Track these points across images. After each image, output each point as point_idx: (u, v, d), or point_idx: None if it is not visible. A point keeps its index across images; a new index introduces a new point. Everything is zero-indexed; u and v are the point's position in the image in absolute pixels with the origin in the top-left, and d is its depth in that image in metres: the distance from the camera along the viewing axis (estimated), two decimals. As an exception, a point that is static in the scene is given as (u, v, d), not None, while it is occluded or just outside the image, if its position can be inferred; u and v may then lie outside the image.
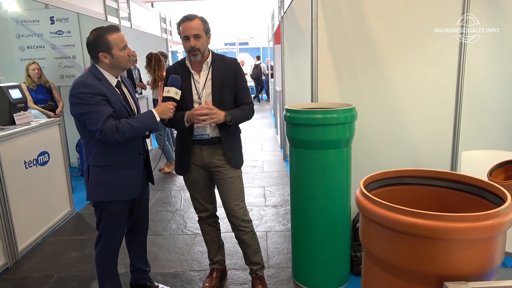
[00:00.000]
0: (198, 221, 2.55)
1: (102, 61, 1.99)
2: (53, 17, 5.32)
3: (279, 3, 5.45)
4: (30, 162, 3.27)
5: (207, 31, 2.18)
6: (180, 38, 2.20)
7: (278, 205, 3.95)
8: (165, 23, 8.65)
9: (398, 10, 2.55)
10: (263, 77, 13.73)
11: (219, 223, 2.58)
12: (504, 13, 2.55)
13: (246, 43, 16.68)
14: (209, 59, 2.23)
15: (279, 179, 4.85)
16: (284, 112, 2.44)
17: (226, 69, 2.24)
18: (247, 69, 14.58)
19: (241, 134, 2.41)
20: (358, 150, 2.60)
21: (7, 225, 2.88)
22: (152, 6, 11.37)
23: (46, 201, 3.47)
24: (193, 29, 2.11)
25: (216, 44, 16.40)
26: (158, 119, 2.03)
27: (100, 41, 1.95)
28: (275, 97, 8.70)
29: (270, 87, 11.29)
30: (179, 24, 2.17)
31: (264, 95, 14.77)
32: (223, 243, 2.65)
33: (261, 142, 7.16)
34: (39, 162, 3.39)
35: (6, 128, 3.23)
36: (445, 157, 2.74)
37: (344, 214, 2.46)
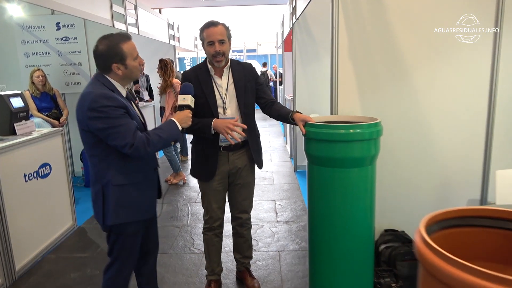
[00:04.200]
0: (205, 232, 2.47)
1: (115, 72, 1.82)
2: (59, 23, 5.19)
3: (291, 10, 5.28)
4: (30, 175, 3.10)
5: (229, 37, 2.22)
6: (203, 43, 2.21)
7: (290, 221, 3.74)
8: (173, 29, 8.52)
9: (424, 16, 2.36)
10: (271, 84, 13.57)
11: (223, 233, 2.55)
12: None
13: (254, 50, 16.56)
14: (229, 63, 2.27)
15: (290, 192, 4.64)
16: (303, 126, 2.24)
17: (245, 73, 2.30)
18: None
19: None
20: (382, 167, 2.39)
21: (4, 243, 2.70)
22: (160, 12, 11.28)
23: (47, 215, 3.30)
24: (218, 35, 2.14)
25: (224, 51, 16.28)
26: (180, 128, 1.91)
27: (113, 51, 1.78)
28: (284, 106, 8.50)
29: (279, 95, 11.10)
30: (202, 30, 2.19)
31: None
32: None
33: (270, 151, 6.96)
34: (40, 175, 3.22)
35: (5, 138, 3.07)
36: (475, 175, 2.53)
37: (368, 237, 2.25)
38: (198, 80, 2.18)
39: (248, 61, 16.06)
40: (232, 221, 2.53)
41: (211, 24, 2.16)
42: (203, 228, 2.48)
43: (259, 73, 14.35)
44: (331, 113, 2.46)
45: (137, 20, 5.89)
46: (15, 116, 3.29)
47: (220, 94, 2.24)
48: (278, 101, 10.13)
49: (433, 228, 0.92)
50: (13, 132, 3.24)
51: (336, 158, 2.09)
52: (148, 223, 2.09)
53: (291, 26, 5.38)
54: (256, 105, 2.40)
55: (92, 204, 1.91)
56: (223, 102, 2.23)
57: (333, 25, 2.34)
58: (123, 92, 1.91)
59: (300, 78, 5.28)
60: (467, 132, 2.47)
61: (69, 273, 2.89)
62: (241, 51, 16.46)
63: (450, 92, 2.43)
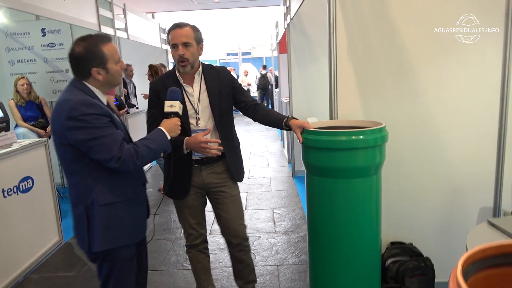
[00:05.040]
0: (187, 250, 2.28)
1: (95, 77, 1.61)
2: (44, 29, 4.99)
3: (285, 10, 5.11)
4: (10, 190, 2.89)
5: (198, 41, 1.99)
6: (169, 46, 2.01)
7: (289, 231, 3.55)
8: (164, 33, 8.34)
9: (430, 12, 2.18)
10: (270, 87, 13.39)
11: (208, 248, 2.36)
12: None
13: (249, 53, 16.41)
14: (200, 69, 2.08)
15: (289, 200, 4.44)
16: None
17: (220, 78, 2.11)
18: (252, 79, 14.23)
19: (241, 147, 2.30)
20: (386, 173, 2.20)
21: (-20, 266, 2.51)
22: (152, 17, 11.10)
23: (30, 233, 3.09)
24: (183, 37, 1.94)
25: (219, 55, 16.12)
26: (168, 137, 1.72)
27: (93, 54, 1.58)
28: (280, 109, 8.32)
29: (275, 98, 10.92)
30: (168, 32, 2.01)
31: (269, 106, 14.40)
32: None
33: (267, 156, 6.76)
34: (21, 189, 3.02)
35: (-18, 152, 2.87)
36: (488, 179, 2.34)
37: (374, 252, 2.06)
38: (166, 90, 1.92)
39: (243, 64, 15.93)
40: (228, 246, 2.28)
41: (176, 26, 1.96)
42: (185, 246, 2.29)
43: (258, 76, 14.00)
44: (331, 118, 2.28)
45: (126, 24, 5.70)
46: (-6, 128, 3.10)
47: (192, 104, 2.04)
48: (275, 104, 9.74)
49: (470, 270, 0.73)
50: (-9, 145, 3.04)
51: (338, 168, 1.91)
52: (139, 244, 1.87)
53: (285, 27, 5.21)
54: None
55: (74, 230, 1.68)
56: (196, 112, 2.04)
57: (331, 23, 2.15)
58: (104, 100, 1.69)
59: (296, 80, 5.11)
60: (477, 134, 2.29)
61: (53, 296, 2.69)
62: (236, 54, 16.30)
63: (458, 92, 2.25)
